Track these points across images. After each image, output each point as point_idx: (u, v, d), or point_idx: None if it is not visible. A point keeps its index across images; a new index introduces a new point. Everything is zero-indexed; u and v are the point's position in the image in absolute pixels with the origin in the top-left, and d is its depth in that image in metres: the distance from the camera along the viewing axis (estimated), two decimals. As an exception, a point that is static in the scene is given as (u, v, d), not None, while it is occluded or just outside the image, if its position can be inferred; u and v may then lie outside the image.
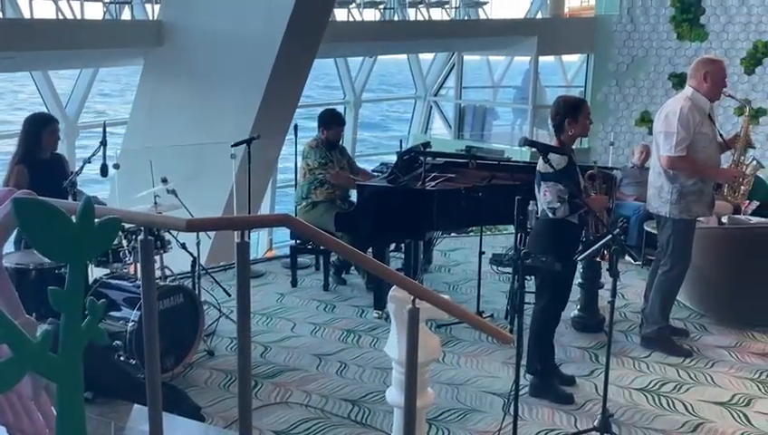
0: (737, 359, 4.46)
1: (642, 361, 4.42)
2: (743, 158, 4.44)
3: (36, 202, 1.63)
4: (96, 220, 1.69)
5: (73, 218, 1.66)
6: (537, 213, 4.00)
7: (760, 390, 4.06)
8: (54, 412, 1.80)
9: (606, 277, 4.70)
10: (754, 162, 4.56)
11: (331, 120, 5.64)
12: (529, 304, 3.85)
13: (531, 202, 4.40)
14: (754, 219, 5.47)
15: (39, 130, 4.36)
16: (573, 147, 3.97)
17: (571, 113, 3.82)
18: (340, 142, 5.79)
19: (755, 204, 6.21)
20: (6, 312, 1.61)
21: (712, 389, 4.07)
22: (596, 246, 3.54)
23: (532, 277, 4.06)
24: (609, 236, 3.39)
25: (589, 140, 4.49)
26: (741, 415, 3.77)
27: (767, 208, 6.29)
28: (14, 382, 1.63)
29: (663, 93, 11.82)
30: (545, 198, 3.77)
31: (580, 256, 3.76)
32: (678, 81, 11.61)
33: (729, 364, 4.38)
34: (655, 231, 5.30)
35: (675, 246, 4.41)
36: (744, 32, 11.38)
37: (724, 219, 5.20)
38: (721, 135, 4.47)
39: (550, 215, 3.78)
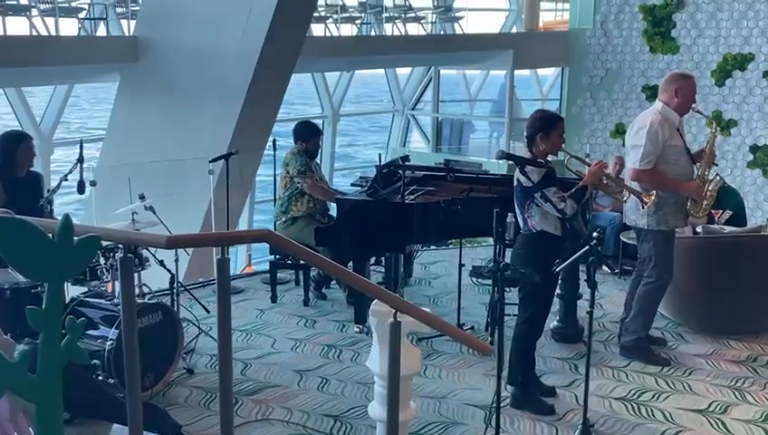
0: (714, 367, 4.52)
1: (621, 370, 4.46)
2: (707, 173, 4.51)
3: (15, 221, 1.62)
4: (75, 238, 1.68)
5: (51, 236, 1.65)
6: (520, 227, 3.99)
7: (736, 397, 4.11)
8: (33, 433, 1.77)
9: (584, 288, 4.74)
10: (717, 177, 4.64)
11: (308, 132, 5.64)
12: (509, 315, 3.87)
13: (509, 214, 4.44)
14: (728, 228, 5.56)
15: (13, 148, 4.31)
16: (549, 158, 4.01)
17: (544, 128, 3.85)
18: (318, 155, 5.79)
19: (728, 213, 6.31)
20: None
21: (690, 397, 4.11)
22: (574, 256, 3.58)
23: (513, 289, 4.08)
24: (587, 247, 3.43)
25: (563, 152, 4.51)
26: (718, 422, 3.82)
27: (739, 218, 6.40)
28: (-8, 404, 1.61)
29: (637, 105, 12.01)
30: (547, 206, 3.76)
31: (559, 268, 3.79)
32: (651, 93, 11.80)
33: (706, 372, 4.43)
34: (631, 241, 5.36)
35: (657, 258, 4.45)
36: (713, 45, 11.63)
37: (699, 229, 5.27)
38: (688, 149, 4.53)
39: (561, 216, 3.77)
